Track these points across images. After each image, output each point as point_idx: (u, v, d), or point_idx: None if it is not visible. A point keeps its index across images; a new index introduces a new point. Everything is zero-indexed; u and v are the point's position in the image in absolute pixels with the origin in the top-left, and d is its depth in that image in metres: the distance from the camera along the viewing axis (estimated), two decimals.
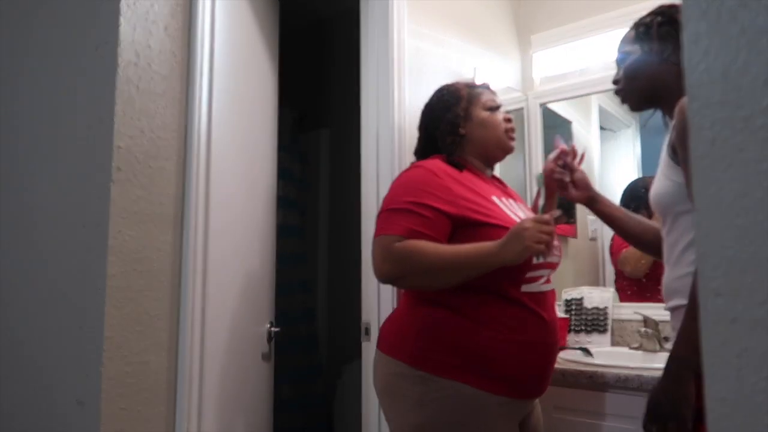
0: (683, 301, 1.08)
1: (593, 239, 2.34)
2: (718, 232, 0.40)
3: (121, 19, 1.34)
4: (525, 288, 1.26)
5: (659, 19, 1.20)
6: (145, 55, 1.39)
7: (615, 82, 1.28)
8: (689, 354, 1.00)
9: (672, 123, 1.12)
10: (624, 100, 1.26)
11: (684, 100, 1.06)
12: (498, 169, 2.30)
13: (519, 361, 1.23)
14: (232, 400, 1.59)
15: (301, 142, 3.17)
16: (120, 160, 1.32)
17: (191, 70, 1.50)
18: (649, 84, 1.20)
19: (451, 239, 1.24)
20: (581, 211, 2.35)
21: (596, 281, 2.28)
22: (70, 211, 1.37)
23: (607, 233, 2.30)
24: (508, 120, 1.44)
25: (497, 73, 2.35)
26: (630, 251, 2.11)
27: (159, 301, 1.39)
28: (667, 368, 1.05)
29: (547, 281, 1.34)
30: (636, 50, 1.22)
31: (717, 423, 0.39)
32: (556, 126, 2.39)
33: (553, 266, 1.35)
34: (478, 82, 2.16)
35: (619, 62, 1.27)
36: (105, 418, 1.25)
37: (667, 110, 1.22)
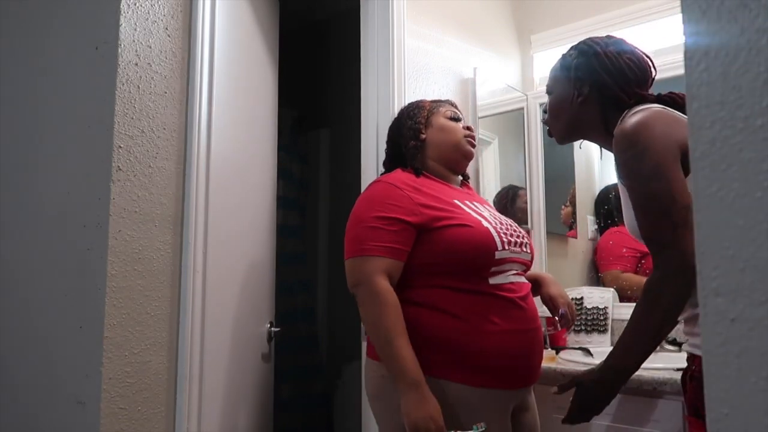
0: (695, 310, 1.08)
1: (593, 239, 2.34)
2: (718, 232, 0.40)
3: (122, 19, 1.34)
4: (492, 280, 1.29)
5: (575, 54, 1.25)
6: (145, 55, 1.39)
7: (544, 111, 1.34)
8: (628, 364, 1.10)
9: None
10: (550, 135, 1.32)
11: (618, 131, 1.08)
12: (498, 169, 2.32)
13: (496, 350, 1.25)
14: (232, 400, 1.59)
15: (301, 142, 3.17)
16: (120, 160, 1.32)
17: (191, 70, 1.50)
18: (569, 123, 1.26)
19: (415, 243, 1.28)
20: (581, 212, 2.35)
21: (596, 281, 2.28)
22: (70, 211, 1.37)
23: None
24: (468, 128, 1.50)
25: (497, 73, 2.35)
26: (612, 274, 2.21)
27: (159, 301, 1.39)
28: (605, 376, 1.12)
29: (518, 274, 1.36)
30: (558, 85, 1.27)
31: (717, 423, 0.39)
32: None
33: (523, 262, 1.38)
34: (478, 81, 2.17)
35: (547, 92, 1.32)
36: (105, 418, 1.25)
37: (594, 141, 1.28)
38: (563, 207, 2.37)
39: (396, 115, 1.57)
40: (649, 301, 1.05)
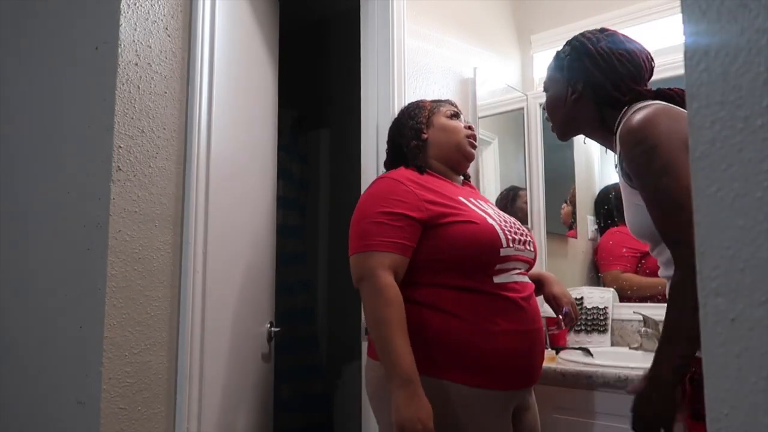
0: None
1: (593, 239, 2.34)
2: (718, 232, 0.40)
3: (122, 19, 1.34)
4: (497, 279, 1.29)
5: (568, 51, 1.25)
6: (145, 55, 1.39)
7: (544, 108, 1.35)
8: (666, 373, 1.03)
9: (618, 152, 1.14)
10: (553, 130, 1.33)
11: (624, 128, 1.08)
12: (498, 169, 2.31)
13: (498, 351, 1.24)
14: (232, 400, 1.59)
15: (301, 142, 3.17)
16: (120, 160, 1.32)
17: (191, 70, 1.50)
18: (566, 120, 1.26)
19: (421, 238, 1.28)
20: (581, 212, 2.35)
21: (596, 281, 2.28)
22: (70, 211, 1.37)
23: None
24: (469, 128, 1.50)
25: (497, 73, 2.35)
26: (612, 274, 2.20)
27: (159, 301, 1.39)
28: (654, 388, 1.04)
29: (522, 274, 1.36)
30: (553, 84, 1.28)
31: (717, 423, 0.39)
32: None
33: (527, 260, 1.38)
34: (478, 81, 2.17)
35: (544, 90, 1.33)
36: (105, 418, 1.25)
37: (592, 137, 1.28)
38: (563, 206, 2.37)
39: (396, 116, 1.56)
40: (676, 305, 1.01)
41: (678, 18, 0.69)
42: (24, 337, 1.44)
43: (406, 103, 1.58)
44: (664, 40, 2.03)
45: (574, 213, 2.36)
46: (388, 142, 1.54)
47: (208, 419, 1.48)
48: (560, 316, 1.48)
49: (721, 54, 0.40)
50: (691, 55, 0.42)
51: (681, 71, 0.43)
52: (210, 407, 1.49)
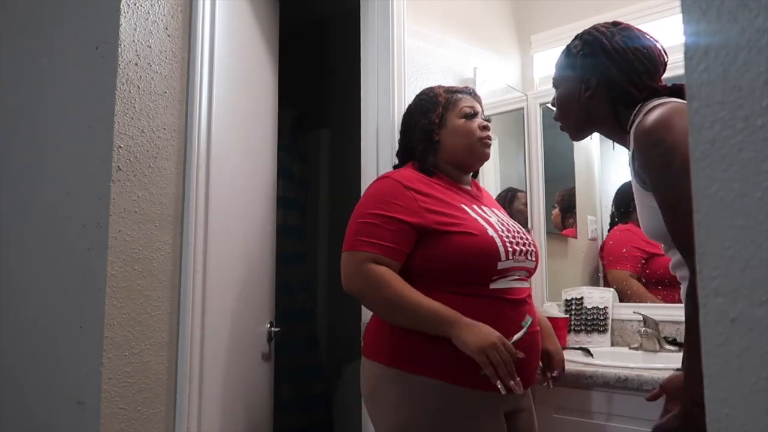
0: None
1: (593, 239, 2.34)
2: (718, 232, 0.40)
3: (122, 19, 1.34)
4: (494, 285, 1.28)
5: (580, 46, 1.20)
6: (145, 55, 1.39)
7: (553, 105, 1.29)
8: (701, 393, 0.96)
9: (631, 151, 1.10)
10: (562, 129, 1.27)
11: (639, 129, 1.05)
12: (498, 169, 2.31)
13: None
14: (232, 400, 1.59)
15: (301, 142, 3.17)
16: (120, 160, 1.32)
17: (191, 70, 1.50)
18: (578, 118, 1.22)
19: (417, 245, 1.27)
20: (581, 212, 2.35)
21: (596, 281, 2.28)
22: (70, 211, 1.37)
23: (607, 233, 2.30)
24: (485, 127, 1.43)
25: (497, 73, 2.35)
26: (617, 273, 2.20)
27: (159, 301, 1.39)
28: (686, 412, 0.97)
29: (521, 279, 1.34)
30: (564, 80, 1.23)
31: (717, 423, 0.39)
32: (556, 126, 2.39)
33: (527, 269, 1.36)
34: (478, 81, 2.17)
35: (554, 86, 1.28)
36: (105, 418, 1.25)
37: (606, 135, 1.24)
38: (553, 210, 2.36)
39: (409, 105, 1.51)
40: (690, 316, 0.96)
41: (678, 18, 0.69)
42: (24, 336, 1.44)
43: (422, 89, 1.51)
44: (664, 40, 2.02)
45: (563, 214, 2.35)
46: (401, 133, 1.51)
47: (208, 419, 1.47)
48: (549, 375, 1.45)
49: (721, 54, 0.40)
50: (691, 55, 0.42)
51: (681, 71, 0.43)
52: (210, 407, 1.49)
